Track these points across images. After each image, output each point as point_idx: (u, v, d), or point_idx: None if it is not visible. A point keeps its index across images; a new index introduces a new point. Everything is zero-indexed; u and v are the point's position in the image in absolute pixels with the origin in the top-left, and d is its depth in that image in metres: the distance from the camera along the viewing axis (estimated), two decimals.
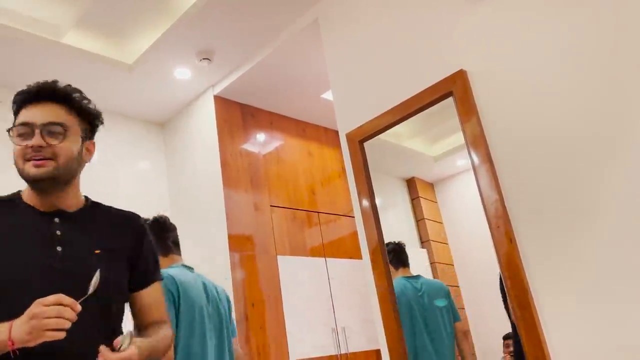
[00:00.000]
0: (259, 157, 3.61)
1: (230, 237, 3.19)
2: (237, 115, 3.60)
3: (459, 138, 2.10)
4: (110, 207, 1.43)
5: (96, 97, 1.41)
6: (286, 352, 3.12)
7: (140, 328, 1.41)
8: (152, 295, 1.43)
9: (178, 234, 2.24)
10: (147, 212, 3.73)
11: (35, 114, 1.26)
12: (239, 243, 3.22)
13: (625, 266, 1.64)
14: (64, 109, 1.30)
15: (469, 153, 2.05)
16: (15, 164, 1.27)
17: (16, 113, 1.31)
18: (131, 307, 1.42)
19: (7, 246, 1.24)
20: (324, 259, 3.62)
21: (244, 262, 3.19)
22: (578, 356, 1.70)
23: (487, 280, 2.10)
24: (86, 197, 1.40)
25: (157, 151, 3.89)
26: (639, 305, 1.60)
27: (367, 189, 2.38)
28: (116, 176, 3.58)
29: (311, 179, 3.87)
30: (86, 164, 1.37)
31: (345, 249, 3.78)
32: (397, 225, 2.50)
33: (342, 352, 3.38)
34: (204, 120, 3.56)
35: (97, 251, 1.29)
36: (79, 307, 1.07)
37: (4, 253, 1.23)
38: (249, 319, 3.05)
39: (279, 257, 3.36)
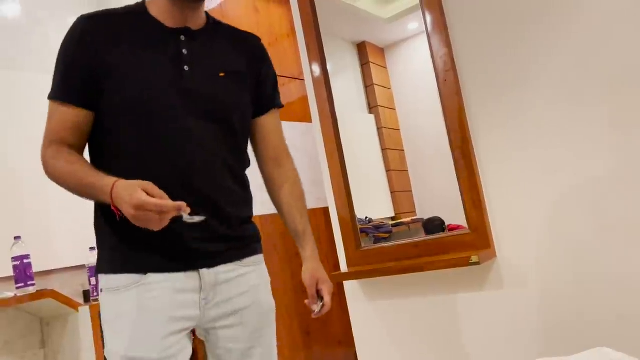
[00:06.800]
0: None
1: None
2: None
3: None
4: (231, 26, 1.37)
5: None
6: None
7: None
8: (271, 123, 1.43)
9: None
10: None
11: None
12: None
13: (559, 120, 1.77)
14: None
15: (422, 6, 1.99)
16: None
17: None
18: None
19: (136, 61, 1.16)
20: None
21: None
22: (511, 201, 1.88)
23: (430, 144, 2.20)
24: (207, 15, 1.32)
25: (89, 3, 3.58)
26: (565, 152, 1.76)
27: (317, 48, 2.31)
28: (46, 31, 3.32)
29: None
30: None
31: (295, 112, 3.77)
32: (347, 90, 2.49)
33: None
34: None
35: (221, 73, 1.26)
36: (187, 210, 1.05)
37: (133, 68, 1.15)
38: None
39: None
